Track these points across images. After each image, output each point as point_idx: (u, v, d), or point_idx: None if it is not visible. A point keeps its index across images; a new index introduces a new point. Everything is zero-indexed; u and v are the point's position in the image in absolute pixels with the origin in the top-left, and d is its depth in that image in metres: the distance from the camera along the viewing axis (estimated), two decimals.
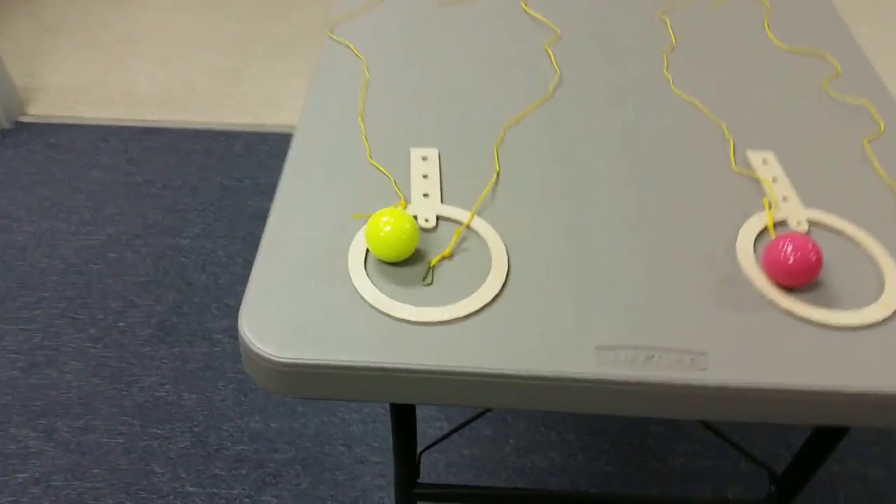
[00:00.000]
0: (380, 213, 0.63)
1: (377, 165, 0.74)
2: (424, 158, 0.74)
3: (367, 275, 0.63)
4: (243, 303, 0.60)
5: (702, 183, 0.74)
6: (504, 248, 0.66)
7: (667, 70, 0.88)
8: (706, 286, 0.64)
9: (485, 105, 0.82)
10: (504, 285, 0.63)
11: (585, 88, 0.85)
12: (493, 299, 0.61)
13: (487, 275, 0.63)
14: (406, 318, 0.59)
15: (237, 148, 1.93)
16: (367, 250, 0.65)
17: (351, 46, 0.89)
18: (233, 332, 1.48)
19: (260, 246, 0.65)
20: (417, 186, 0.71)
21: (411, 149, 0.76)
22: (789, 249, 0.61)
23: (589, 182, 0.73)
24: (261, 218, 1.73)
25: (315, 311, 0.60)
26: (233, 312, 1.52)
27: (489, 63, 0.88)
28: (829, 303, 0.63)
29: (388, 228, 0.62)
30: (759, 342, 0.60)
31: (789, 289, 0.63)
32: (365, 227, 0.65)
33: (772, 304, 0.62)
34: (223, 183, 1.82)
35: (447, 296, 0.62)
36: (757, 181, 0.74)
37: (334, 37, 0.91)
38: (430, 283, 0.63)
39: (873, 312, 0.62)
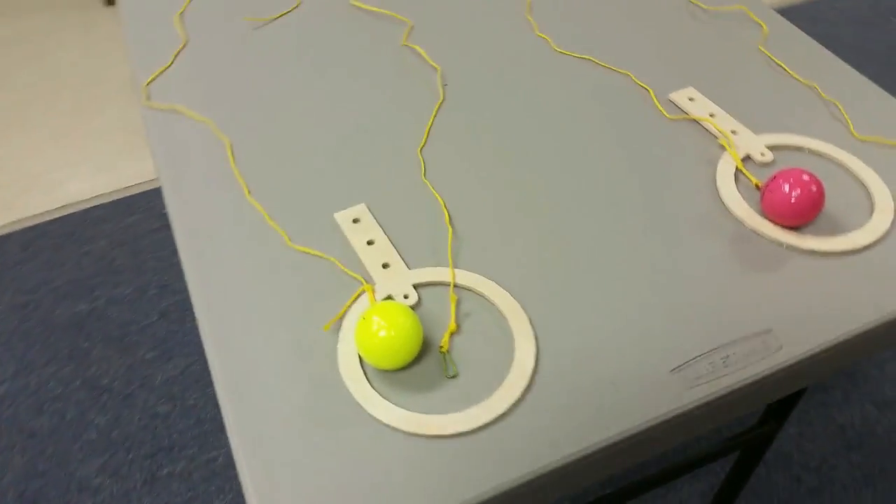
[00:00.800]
0: (365, 319, 0.50)
1: (307, 250, 0.59)
2: (356, 220, 0.61)
3: (379, 393, 0.49)
4: (249, 499, 0.45)
5: (645, 144, 0.67)
6: (508, 295, 0.55)
7: (538, 31, 0.80)
8: (719, 255, 0.58)
9: (381, 131, 0.69)
10: (536, 341, 0.52)
11: (471, 77, 0.74)
12: (536, 363, 0.51)
13: (505, 334, 0.53)
14: (457, 431, 0.47)
15: (13, 254, 1.60)
16: (361, 361, 0.51)
17: (187, 112, 0.71)
18: (112, 470, 1.23)
19: (224, 412, 0.49)
20: (369, 258, 0.58)
21: (334, 215, 0.61)
22: (795, 191, 0.57)
23: (537, 184, 0.64)
24: (78, 325, 1.45)
25: (346, 468, 0.46)
26: (99, 446, 1.26)
27: (356, 78, 0.74)
28: (836, 227, 0.60)
29: (391, 333, 0.48)
30: (805, 294, 0.55)
31: (796, 227, 0.60)
32: (354, 338, 0.51)
33: (793, 248, 0.58)
34: (14, 301, 1.50)
35: (479, 379, 0.50)
36: (696, 122, 0.69)
37: (156, 105, 0.72)
38: (456, 374, 0.51)
39: (880, 221, 0.60)
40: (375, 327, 0.49)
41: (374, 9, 0.83)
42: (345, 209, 0.62)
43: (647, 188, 0.63)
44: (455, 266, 0.57)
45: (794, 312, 0.54)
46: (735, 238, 0.59)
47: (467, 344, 0.53)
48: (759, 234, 0.59)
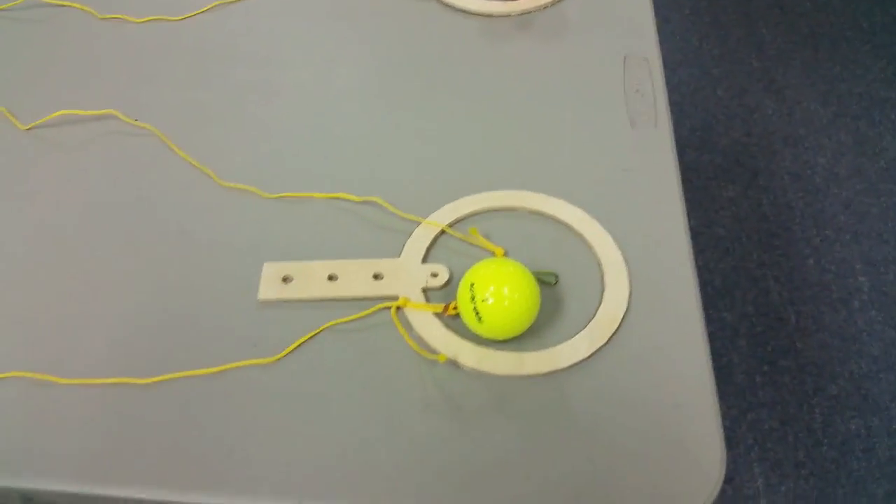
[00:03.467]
0: (474, 287, 0.40)
1: (295, 345, 0.43)
2: (286, 279, 0.46)
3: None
4: None
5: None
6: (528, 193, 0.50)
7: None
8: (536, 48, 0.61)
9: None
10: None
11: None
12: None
13: (541, 232, 0.49)
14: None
15: None
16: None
17: None
18: None
19: None
20: (352, 286, 0.45)
21: (259, 298, 0.45)
22: None
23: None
24: None
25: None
26: None
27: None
28: None
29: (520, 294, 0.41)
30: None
31: None
32: (476, 322, 0.41)
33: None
34: None
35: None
36: None
37: None
38: (557, 278, 0.46)
39: None
40: (494, 298, 0.40)
41: None
42: (255, 287, 0.46)
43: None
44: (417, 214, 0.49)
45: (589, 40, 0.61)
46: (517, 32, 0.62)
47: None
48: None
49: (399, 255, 0.47)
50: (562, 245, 0.47)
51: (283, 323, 0.45)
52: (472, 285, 0.41)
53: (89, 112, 0.56)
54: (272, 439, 0.40)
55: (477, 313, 0.41)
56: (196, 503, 0.38)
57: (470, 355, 0.42)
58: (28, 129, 0.56)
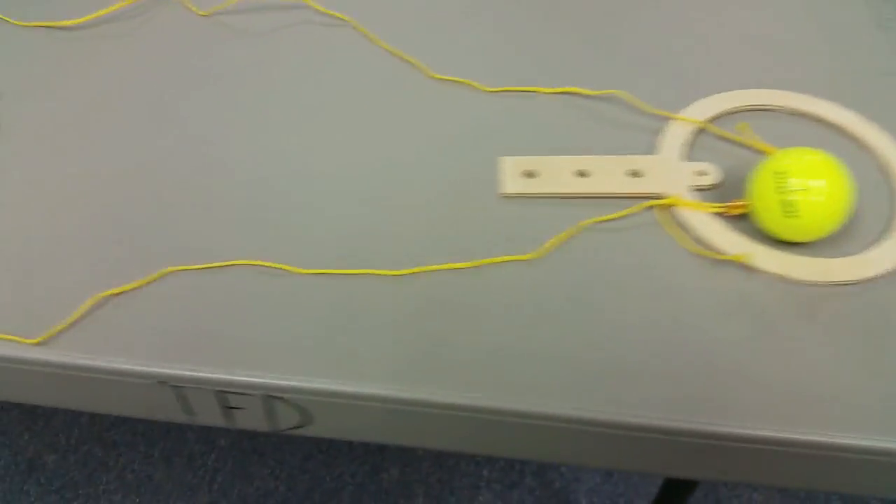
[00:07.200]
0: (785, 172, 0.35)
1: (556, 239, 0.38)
2: (531, 174, 0.41)
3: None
4: None
5: None
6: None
7: None
8: None
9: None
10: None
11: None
12: None
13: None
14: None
15: None
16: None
17: None
18: None
19: None
20: (608, 183, 0.40)
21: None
22: None
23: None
24: None
25: None
26: None
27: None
28: None
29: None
30: None
31: None
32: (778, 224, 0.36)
33: None
34: None
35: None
36: None
37: None
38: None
39: None
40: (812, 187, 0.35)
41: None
42: (488, 182, 0.41)
43: None
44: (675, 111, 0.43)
45: None
46: None
47: None
48: None
49: (651, 153, 0.41)
50: (833, 149, 0.42)
51: (531, 219, 0.39)
52: (779, 175, 0.35)
53: None
54: (535, 340, 0.35)
55: (788, 206, 0.35)
56: (450, 403, 0.33)
57: (767, 258, 0.36)
58: (207, 15, 0.50)
